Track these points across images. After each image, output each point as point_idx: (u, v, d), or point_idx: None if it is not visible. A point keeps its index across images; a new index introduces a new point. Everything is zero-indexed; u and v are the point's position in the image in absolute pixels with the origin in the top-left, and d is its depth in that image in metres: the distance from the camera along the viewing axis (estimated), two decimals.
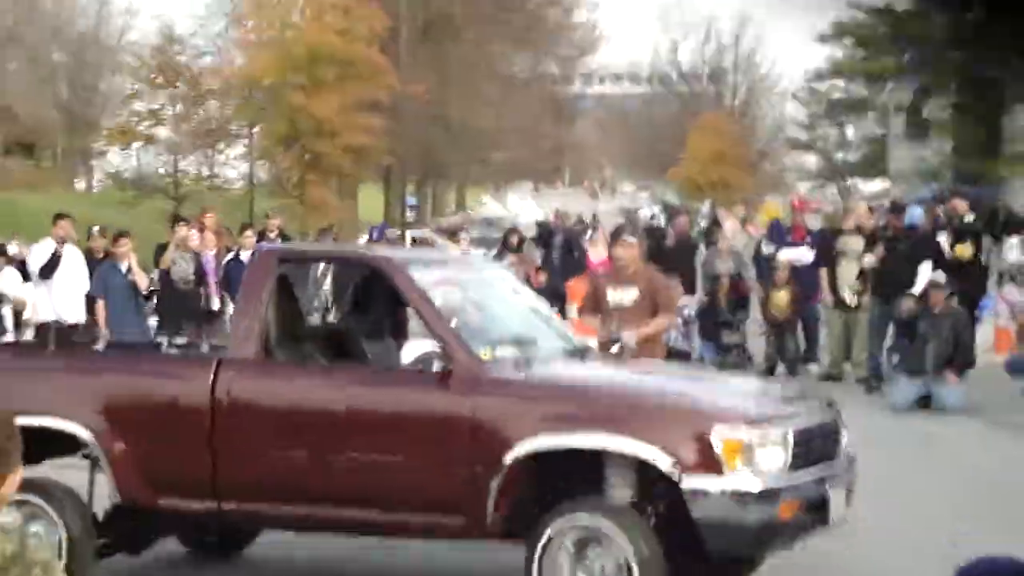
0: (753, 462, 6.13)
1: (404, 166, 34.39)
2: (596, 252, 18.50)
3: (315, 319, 8.40)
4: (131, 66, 39.46)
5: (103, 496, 7.28)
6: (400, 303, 7.68)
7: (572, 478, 6.57)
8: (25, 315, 13.73)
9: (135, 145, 39.92)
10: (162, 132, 37.43)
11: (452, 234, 42.78)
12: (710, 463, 6.11)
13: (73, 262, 13.89)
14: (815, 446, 6.56)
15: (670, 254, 18.83)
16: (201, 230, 16.58)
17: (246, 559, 8.11)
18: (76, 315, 13.80)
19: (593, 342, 8.70)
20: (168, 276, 14.78)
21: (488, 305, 7.90)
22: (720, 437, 6.13)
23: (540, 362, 7.00)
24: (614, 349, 8.76)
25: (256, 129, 34.98)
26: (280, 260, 7.47)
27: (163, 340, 8.11)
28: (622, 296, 9.67)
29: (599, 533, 6.23)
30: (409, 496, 6.63)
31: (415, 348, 6.67)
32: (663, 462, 6.14)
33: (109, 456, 6.98)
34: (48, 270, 13.63)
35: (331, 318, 8.22)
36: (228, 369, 6.96)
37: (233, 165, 41.04)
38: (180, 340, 8.41)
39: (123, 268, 14.13)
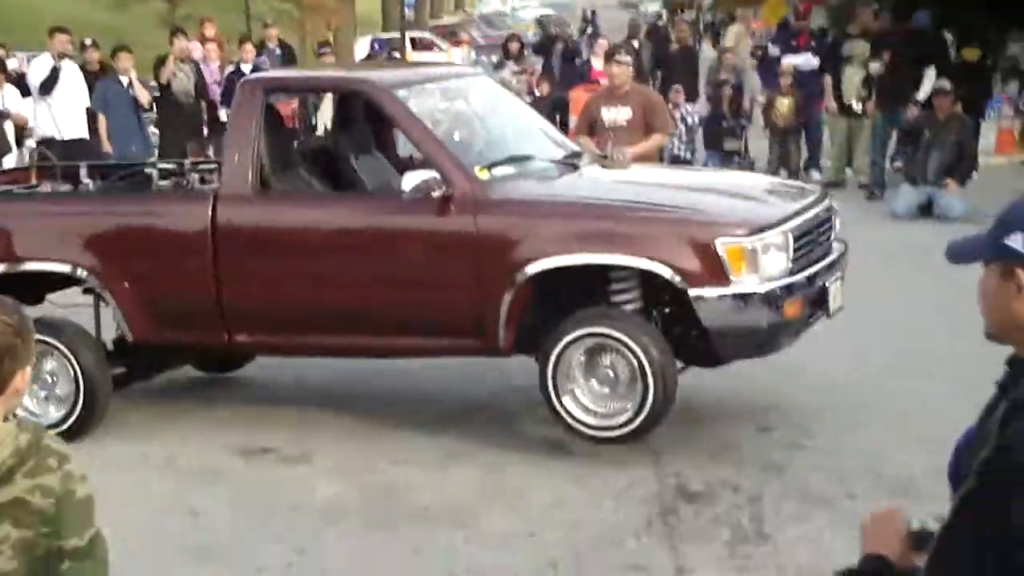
0: (757, 267, 6.32)
1: None
2: (599, 60, 18.29)
3: (306, 144, 8.45)
4: None
5: (110, 329, 7.45)
6: (386, 123, 7.74)
7: (577, 290, 6.72)
8: (27, 131, 13.67)
9: None
10: None
11: (451, 34, 42.36)
12: (716, 272, 6.28)
13: (72, 77, 13.77)
14: (812, 242, 6.75)
15: (673, 61, 18.71)
16: (203, 41, 16.43)
17: (256, 380, 8.29)
18: (77, 130, 13.74)
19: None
20: (168, 89, 14.69)
21: (479, 121, 7.92)
22: (724, 246, 6.29)
23: (538, 178, 7.11)
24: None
25: None
26: (266, 90, 7.43)
27: (154, 172, 8.02)
28: (616, 115, 9.72)
29: (610, 340, 6.41)
30: (419, 320, 6.76)
31: (414, 176, 6.65)
32: (672, 275, 6.31)
33: (116, 297, 7.09)
34: (48, 86, 13.52)
35: (321, 143, 8.26)
36: (226, 203, 7.00)
37: None
38: (173, 167, 8.35)
39: (124, 82, 14.04)
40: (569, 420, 6.51)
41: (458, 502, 6.08)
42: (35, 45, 32.37)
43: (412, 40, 37.03)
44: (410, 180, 6.65)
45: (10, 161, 12.02)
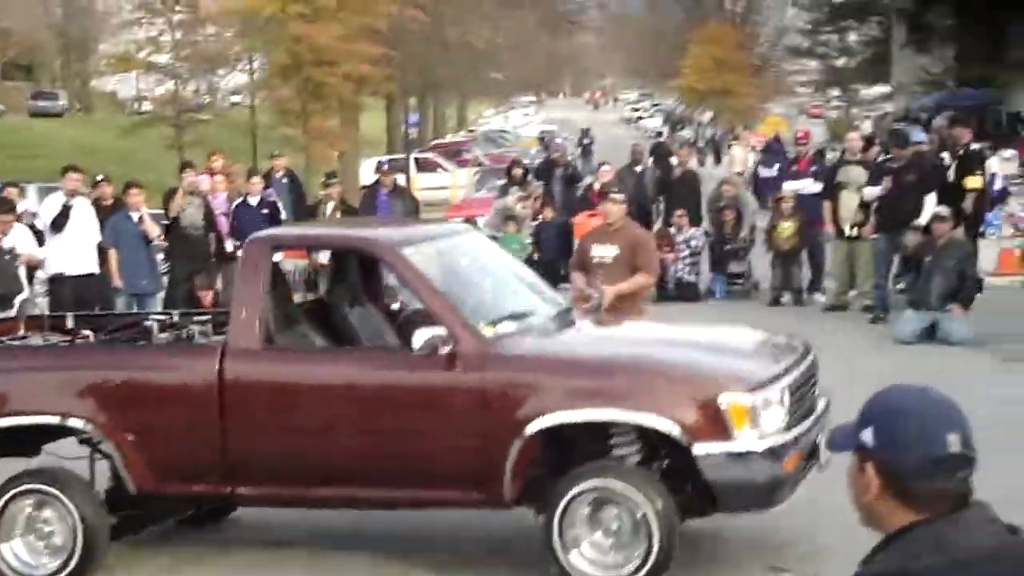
0: (758, 423, 6.44)
1: (404, 86, 34.27)
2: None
3: (300, 295, 8.59)
4: None
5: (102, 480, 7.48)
6: (376, 274, 7.95)
7: (580, 444, 6.81)
8: (39, 267, 13.81)
9: (135, 72, 39.91)
10: (161, 58, 37.24)
11: (455, 154, 42.91)
12: (719, 429, 6.41)
13: (83, 214, 13.99)
14: (804, 397, 6.92)
15: (675, 185, 18.94)
16: (211, 174, 16.69)
17: (269, 521, 8.29)
18: (87, 266, 13.92)
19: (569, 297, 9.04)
20: (177, 222, 14.89)
21: (477, 277, 8.08)
22: (727, 403, 6.42)
23: (540, 334, 7.26)
24: (590, 303, 9.11)
25: (256, 58, 34.84)
26: (273, 248, 7.62)
27: (155, 325, 8.07)
28: (604, 252, 9.87)
29: (614, 493, 6.49)
30: (424, 474, 6.84)
31: (423, 334, 6.74)
32: (676, 432, 6.44)
33: (120, 449, 7.12)
34: (59, 223, 13.74)
35: (316, 293, 8.43)
36: (233, 358, 7.08)
37: (234, 91, 40.93)
38: (176, 321, 8.39)
39: (135, 217, 14.24)
40: (574, 573, 6.55)
41: None
42: (51, 172, 32.94)
43: (416, 161, 37.50)
44: (419, 337, 6.74)
45: (21, 299, 12.14)
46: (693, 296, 17.41)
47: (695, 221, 18.05)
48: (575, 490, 6.52)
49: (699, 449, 6.41)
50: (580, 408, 6.61)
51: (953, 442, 2.39)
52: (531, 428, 6.58)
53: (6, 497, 7.15)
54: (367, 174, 33.39)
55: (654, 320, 8.02)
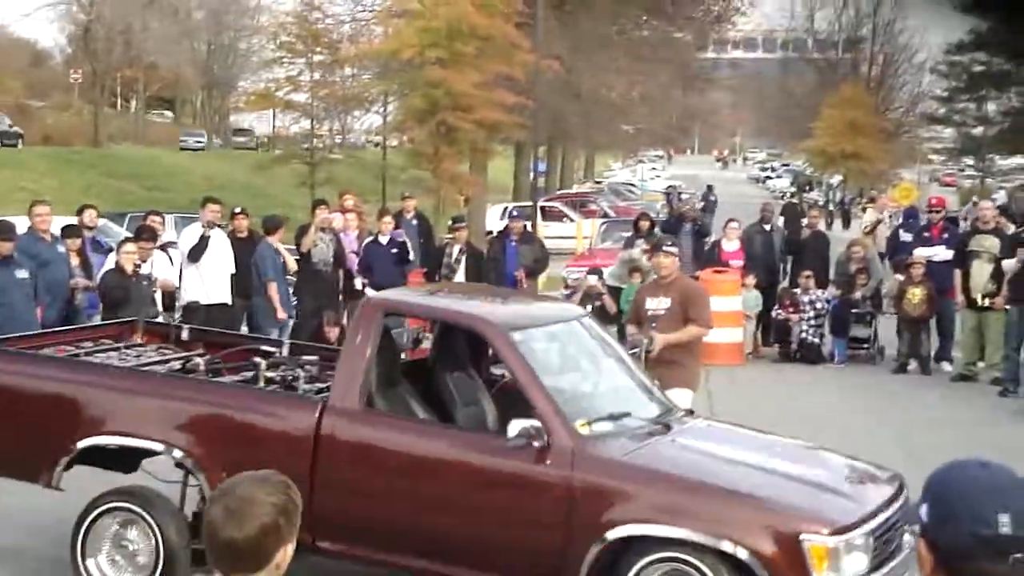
0: (839, 567, 6.35)
1: (534, 135, 34.48)
2: (730, 244, 18.49)
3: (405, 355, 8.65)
4: (270, 31, 40.15)
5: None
6: (485, 346, 7.97)
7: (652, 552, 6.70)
8: (175, 296, 14.19)
9: (272, 110, 40.77)
10: (299, 97, 37.99)
11: (581, 205, 43.06)
12: (797, 567, 6.33)
13: (220, 245, 14.36)
14: (890, 541, 6.72)
15: (804, 245, 18.84)
16: (343, 212, 17.01)
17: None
18: (221, 295, 14.27)
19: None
20: (309, 257, 15.18)
21: (584, 367, 8.09)
22: (809, 544, 6.34)
23: (633, 438, 7.20)
24: (638, 349, 9.16)
25: (391, 100, 35.37)
26: (386, 312, 7.73)
27: (263, 375, 8.17)
28: (657, 305, 9.88)
29: None
30: (500, 560, 6.88)
31: (518, 424, 6.78)
32: (756, 566, 6.37)
33: (211, 483, 7.24)
34: (196, 253, 14.11)
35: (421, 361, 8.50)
36: (332, 415, 7.22)
37: (367, 133, 41.62)
38: (285, 358, 8.55)
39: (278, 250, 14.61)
40: None
41: None
42: (184, 204, 33.82)
43: (542, 209, 37.71)
44: (515, 427, 6.78)
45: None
46: (816, 358, 17.27)
47: (822, 283, 17.91)
48: None
49: None
50: (663, 524, 6.56)
51: (1005, 522, 2.26)
52: (612, 535, 6.58)
53: (95, 514, 7.35)
54: (493, 219, 33.70)
55: (750, 433, 7.86)
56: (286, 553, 2.83)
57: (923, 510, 2.35)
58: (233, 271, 14.42)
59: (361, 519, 7.14)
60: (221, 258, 14.32)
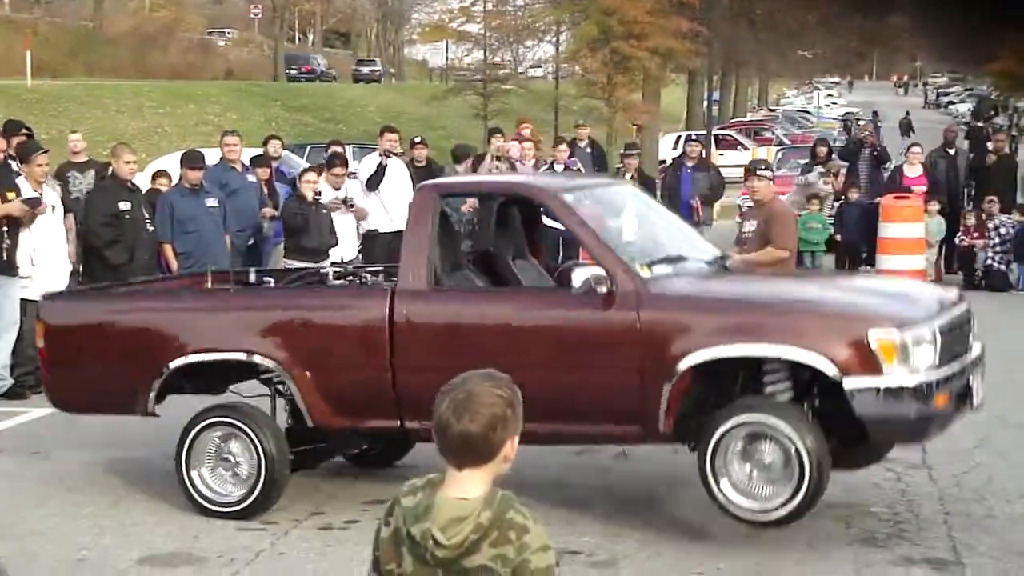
0: (907, 360, 6.63)
1: (708, 63, 34.10)
2: (912, 169, 18.07)
3: (470, 247, 9.01)
4: None
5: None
6: (537, 231, 8.37)
7: (733, 382, 7.07)
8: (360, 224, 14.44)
9: (445, 41, 41.07)
10: (472, 28, 38.19)
11: (755, 133, 42.48)
12: (869, 364, 6.62)
13: (398, 173, 14.55)
14: (956, 340, 7.05)
15: (989, 171, 18.31)
16: (520, 141, 17.10)
17: (567, 477, 8.53)
18: (400, 224, 14.36)
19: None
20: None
21: (637, 223, 8.25)
22: (876, 339, 6.63)
23: (694, 276, 7.58)
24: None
25: (564, 28, 35.30)
26: (441, 195, 7.95)
27: (329, 271, 8.71)
28: (749, 228, 10.19)
29: (768, 429, 6.74)
30: (584, 409, 7.14)
31: (582, 272, 7.08)
32: (827, 367, 6.65)
33: (298, 385, 7.52)
34: (374, 181, 14.34)
35: (483, 248, 8.82)
36: (402, 298, 7.45)
37: (540, 63, 41.63)
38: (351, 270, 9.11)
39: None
40: (726, 504, 6.82)
41: None
42: (360, 136, 34.35)
43: (715, 137, 37.34)
44: (579, 276, 7.08)
45: (336, 253, 12.75)
46: (1002, 285, 16.82)
47: (1007, 208, 17.40)
48: (729, 424, 6.78)
49: (850, 384, 6.60)
50: (732, 344, 6.84)
51: None
52: (684, 364, 6.84)
53: (197, 428, 7.62)
54: (665, 149, 33.48)
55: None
56: (513, 445, 2.98)
57: None
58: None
59: None
60: (400, 186, 14.50)
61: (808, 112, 61.71)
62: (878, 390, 6.60)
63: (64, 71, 47.70)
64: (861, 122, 38.16)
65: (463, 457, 2.95)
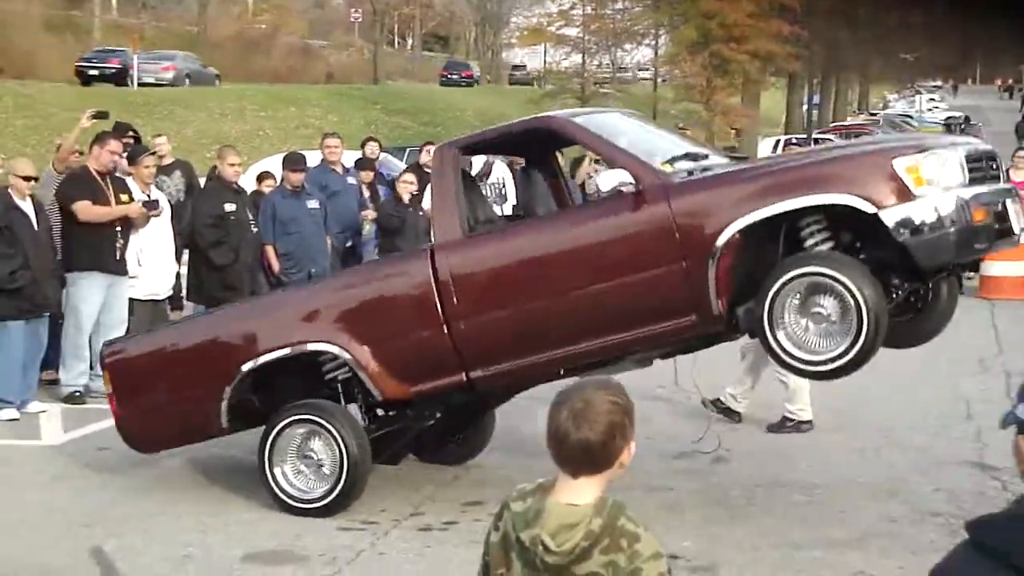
0: (936, 181, 6.76)
1: (809, 66, 33.80)
2: (1019, 173, 17.71)
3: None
4: None
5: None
6: (560, 184, 8.57)
7: (774, 250, 7.11)
8: None
9: (543, 44, 41.11)
10: (570, 31, 38.23)
11: (855, 137, 41.92)
12: (901, 192, 6.72)
13: (500, 174, 14.65)
14: (984, 167, 7.17)
15: None
16: None
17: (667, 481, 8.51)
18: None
19: None
20: (582, 189, 15.33)
21: (648, 137, 8.43)
22: (902, 166, 6.75)
23: (715, 166, 7.69)
24: None
25: (663, 32, 35.19)
26: (460, 149, 8.08)
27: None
28: None
29: (823, 281, 6.78)
30: (640, 312, 7.16)
31: (608, 177, 7.24)
32: (863, 204, 6.73)
33: (362, 364, 7.60)
34: (480, 179, 14.42)
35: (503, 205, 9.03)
36: (442, 252, 7.53)
37: (639, 67, 41.52)
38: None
39: None
40: (783, 356, 6.92)
41: None
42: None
43: (815, 141, 36.94)
44: (605, 180, 7.25)
45: None
46: None
47: None
48: (788, 275, 6.82)
49: (887, 216, 6.69)
50: (765, 206, 6.88)
51: None
52: (723, 238, 6.92)
53: (280, 426, 7.70)
54: (765, 152, 33.22)
55: None
56: (629, 452, 2.96)
57: (1020, 409, 2.49)
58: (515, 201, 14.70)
59: (500, 333, 7.42)
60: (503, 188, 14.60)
61: (910, 116, 60.84)
62: (915, 214, 6.70)
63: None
64: (969, 125, 37.58)
65: (581, 465, 2.94)
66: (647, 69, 42.80)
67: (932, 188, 6.72)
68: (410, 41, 79.41)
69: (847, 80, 61.85)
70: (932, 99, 78.38)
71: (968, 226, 6.76)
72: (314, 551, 7.09)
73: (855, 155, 7.17)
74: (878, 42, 47.48)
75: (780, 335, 6.88)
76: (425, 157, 13.29)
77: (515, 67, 74.07)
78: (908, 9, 46.65)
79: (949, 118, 54.60)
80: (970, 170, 6.96)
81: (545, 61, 52.86)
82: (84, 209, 10.46)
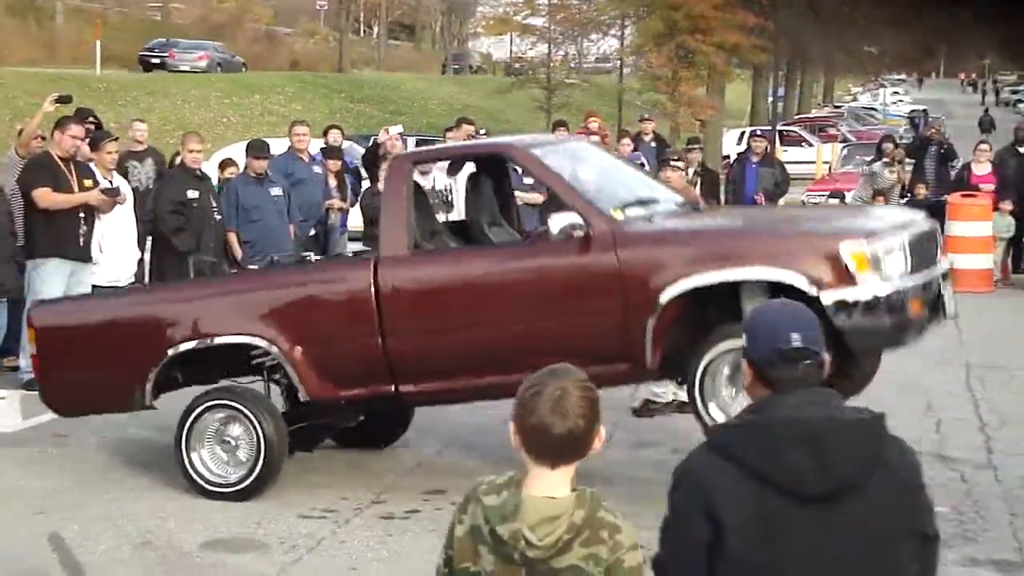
0: (880, 269, 6.85)
1: (774, 58, 33.87)
2: (981, 167, 17.84)
3: (440, 215, 9.27)
4: None
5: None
6: (507, 191, 8.66)
7: (714, 313, 7.20)
8: None
9: (510, 34, 41.07)
10: (536, 21, 38.19)
11: (820, 129, 42.12)
12: (843, 277, 6.82)
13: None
14: (924, 252, 7.29)
15: None
16: (588, 134, 17.06)
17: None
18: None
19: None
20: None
21: (604, 175, 8.43)
22: (848, 251, 6.84)
23: (667, 216, 7.74)
24: None
25: (628, 22, 35.18)
26: (414, 163, 8.20)
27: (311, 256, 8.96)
28: None
29: None
30: (573, 353, 7.01)
31: (559, 219, 7.18)
32: (804, 284, 6.81)
33: (292, 362, 7.61)
34: (452, 172, 14.38)
35: (452, 213, 9.05)
36: (385, 265, 7.56)
37: (603, 57, 41.53)
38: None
39: None
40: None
41: None
42: (421, 128, 34.45)
43: (780, 133, 37.08)
44: (556, 223, 7.19)
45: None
46: None
47: None
48: (712, 352, 6.97)
49: (827, 298, 6.75)
50: (709, 271, 6.98)
51: (796, 339, 2.99)
52: (665, 296, 7.03)
53: (197, 411, 7.70)
54: (729, 144, 33.29)
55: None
56: (600, 436, 2.97)
57: (743, 338, 3.07)
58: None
59: (434, 353, 7.49)
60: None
61: (874, 109, 61.17)
62: (855, 301, 6.78)
63: (132, 61, 48.18)
64: (931, 118, 37.75)
65: (563, 455, 2.90)
66: (608, 61, 42.85)
67: (874, 276, 6.82)
68: (376, 29, 79.14)
69: (812, 72, 62.05)
70: (896, 92, 78.83)
71: (903, 319, 6.92)
72: (274, 538, 7.07)
73: (804, 233, 7.33)
74: (843, 34, 47.64)
75: (711, 406, 7.05)
76: (384, 136, 13.18)
77: (456, 56, 73.91)
78: (873, 2, 46.83)
79: (913, 111, 54.88)
80: (915, 254, 7.08)
81: (511, 51, 52.87)
82: (44, 196, 10.37)
